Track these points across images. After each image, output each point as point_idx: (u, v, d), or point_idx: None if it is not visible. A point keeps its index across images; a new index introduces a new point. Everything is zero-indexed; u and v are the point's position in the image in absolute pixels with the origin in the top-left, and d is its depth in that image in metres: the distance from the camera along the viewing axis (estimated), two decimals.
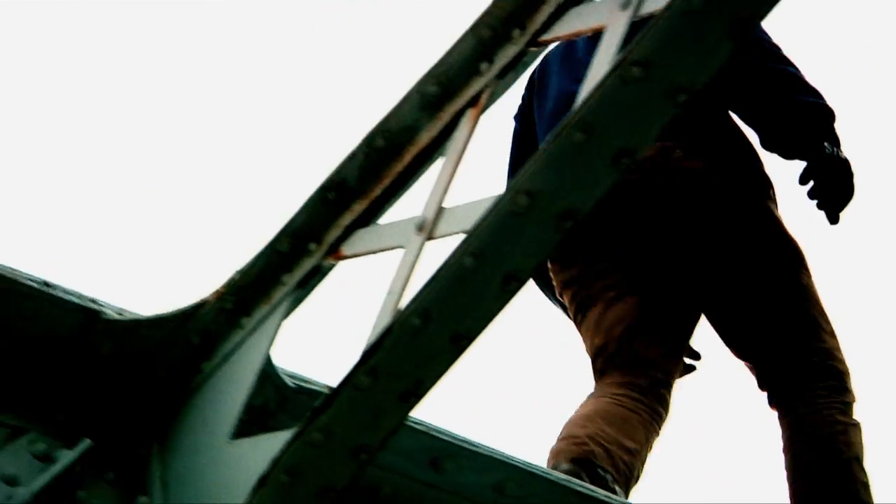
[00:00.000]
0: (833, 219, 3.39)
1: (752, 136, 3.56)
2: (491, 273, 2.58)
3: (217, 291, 3.08)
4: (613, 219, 3.41)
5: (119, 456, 3.07)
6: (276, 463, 2.63)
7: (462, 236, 2.59)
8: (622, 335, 3.38)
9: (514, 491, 3.69)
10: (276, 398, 3.42)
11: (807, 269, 3.36)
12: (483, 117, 2.81)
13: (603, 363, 3.39)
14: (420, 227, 2.74)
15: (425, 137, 2.88)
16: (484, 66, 2.81)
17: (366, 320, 2.73)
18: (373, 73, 10.39)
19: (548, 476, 3.68)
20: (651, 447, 3.33)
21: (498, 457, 3.68)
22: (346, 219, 2.97)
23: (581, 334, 3.59)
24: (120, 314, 3.14)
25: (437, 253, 2.68)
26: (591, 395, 3.33)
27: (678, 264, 3.37)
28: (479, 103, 2.80)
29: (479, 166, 2.90)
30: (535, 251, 2.60)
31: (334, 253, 2.98)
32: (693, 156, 3.40)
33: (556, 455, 3.23)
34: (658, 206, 3.39)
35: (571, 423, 3.29)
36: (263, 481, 2.64)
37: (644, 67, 2.41)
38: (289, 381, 3.44)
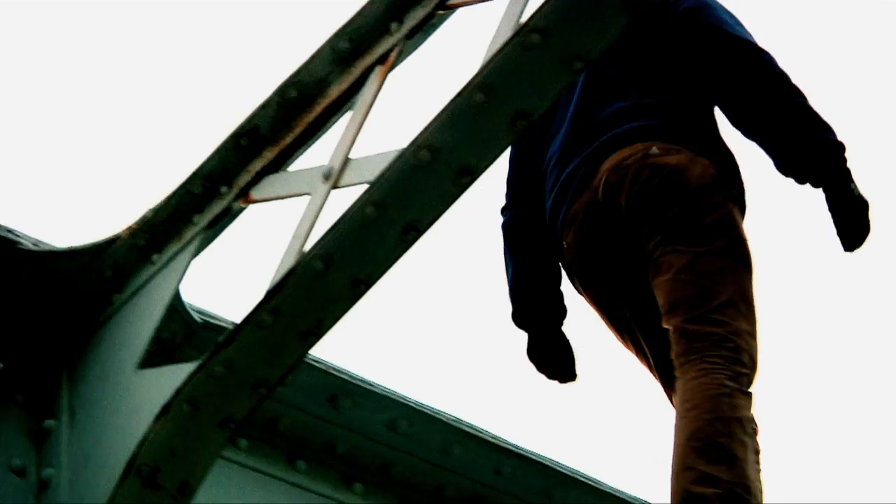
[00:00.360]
0: (847, 248, 3.46)
1: (729, 138, 3.57)
2: (391, 222, 2.61)
3: (130, 227, 3.09)
4: (606, 227, 3.44)
5: (29, 380, 3.08)
6: (179, 393, 2.66)
7: (366, 186, 2.62)
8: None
9: (405, 429, 3.76)
10: (183, 332, 3.45)
11: (750, 273, 3.39)
12: (391, 75, 2.84)
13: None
14: (326, 176, 2.76)
15: (335, 91, 2.90)
16: (394, 26, 2.83)
17: (271, 262, 2.75)
18: (288, 25, 10.33)
19: (438, 416, 3.75)
20: None
21: (392, 396, 3.74)
22: (257, 165, 2.98)
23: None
24: (35, 245, 3.14)
25: (342, 201, 2.70)
26: None
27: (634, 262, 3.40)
28: (388, 61, 2.82)
29: (385, 121, 2.92)
30: (434, 204, 2.63)
31: (244, 196, 2.99)
32: (668, 153, 3.42)
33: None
34: (634, 200, 3.41)
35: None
36: (166, 410, 2.66)
37: (543, 35, 2.44)
38: (196, 317, 3.47)
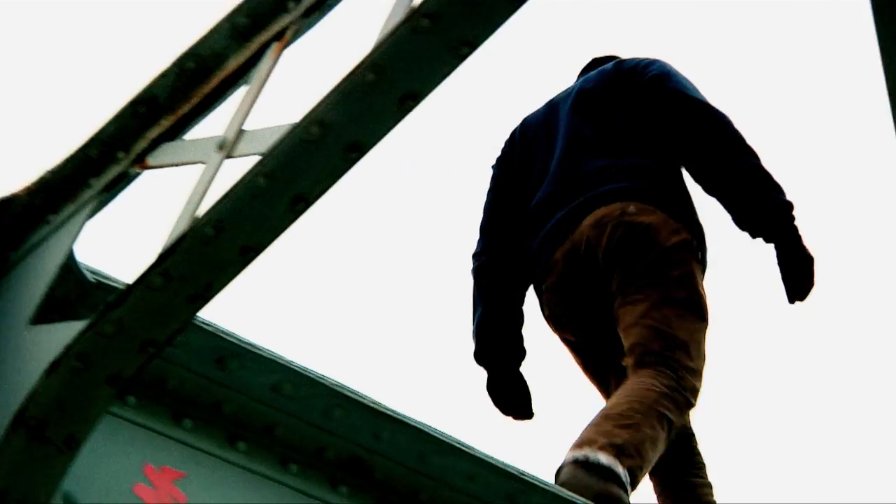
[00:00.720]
0: (791, 300, 3.61)
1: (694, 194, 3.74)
2: (281, 193, 2.63)
3: (27, 187, 3.07)
4: (585, 275, 3.59)
5: None
6: (69, 350, 2.66)
7: (258, 158, 2.64)
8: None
9: (290, 392, 3.77)
10: (76, 291, 3.43)
11: (704, 326, 3.64)
12: (287, 51, 2.86)
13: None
14: (221, 146, 2.78)
15: (232, 64, 2.92)
16: (291, 4, 2.85)
17: (164, 227, 2.76)
18: None
19: (321, 380, 3.76)
20: None
21: (278, 359, 3.75)
22: (154, 132, 2.98)
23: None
24: None
25: (235, 171, 2.72)
26: None
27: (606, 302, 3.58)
28: (284, 38, 2.84)
29: (279, 95, 2.94)
30: (323, 177, 2.66)
31: (140, 162, 3.00)
32: (643, 213, 3.58)
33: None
34: (610, 254, 3.56)
35: None
36: (55, 365, 2.66)
37: (433, 20, 2.48)
38: (89, 276, 3.45)
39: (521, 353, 3.85)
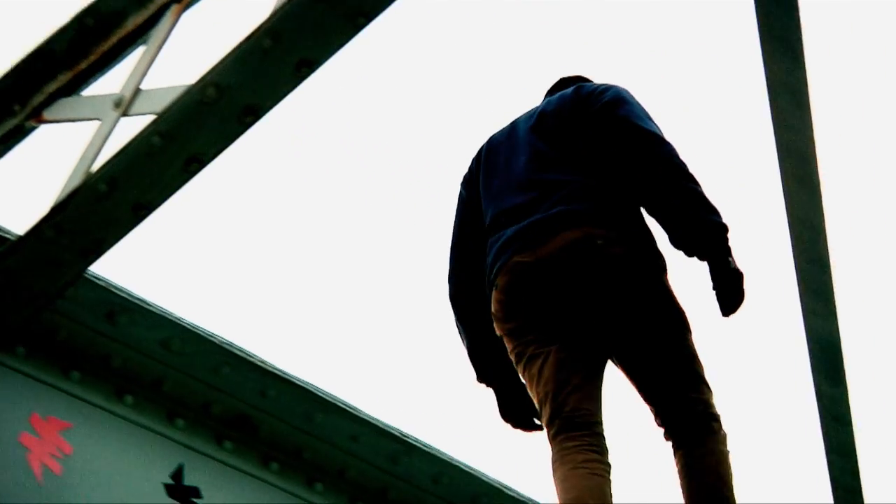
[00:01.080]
0: (725, 313, 3.79)
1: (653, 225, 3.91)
2: (176, 153, 2.60)
3: None
4: (545, 287, 3.70)
5: None
6: None
7: (154, 117, 2.61)
8: (556, 391, 3.77)
9: (178, 347, 3.75)
10: None
11: (690, 332, 3.91)
12: (186, 13, 2.82)
13: (555, 427, 3.77)
14: (117, 104, 2.73)
15: (131, 23, 2.87)
16: None
17: (58, 181, 2.72)
18: None
19: (210, 338, 3.75)
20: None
21: (167, 316, 3.73)
22: (51, 87, 2.93)
23: (524, 380, 3.95)
24: None
25: (130, 129, 2.68)
26: (562, 462, 3.72)
27: (594, 328, 3.72)
28: (184, 1, 2.81)
29: (177, 56, 2.91)
30: (218, 139, 2.63)
31: (36, 116, 2.94)
32: (612, 243, 3.80)
33: None
34: (582, 281, 3.73)
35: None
36: None
37: None
38: None
39: (516, 370, 4.04)
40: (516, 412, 4.03)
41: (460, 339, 4.13)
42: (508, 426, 4.10)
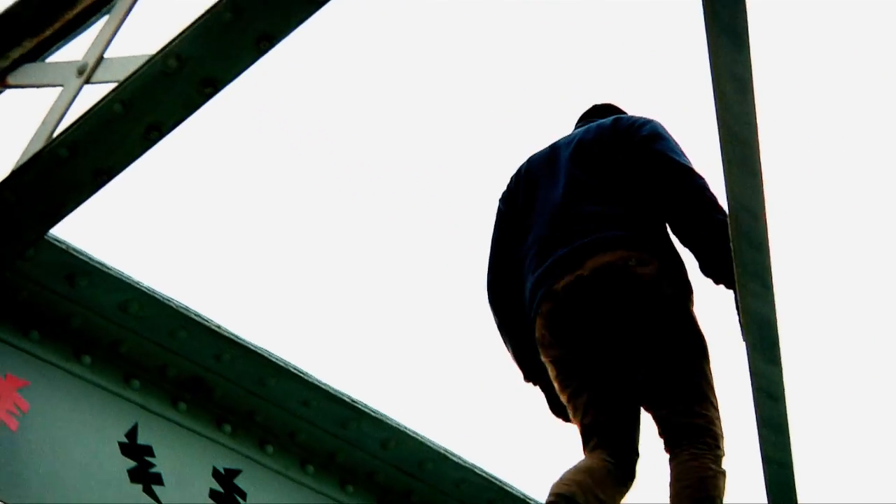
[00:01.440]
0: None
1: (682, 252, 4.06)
2: (136, 121, 2.61)
3: None
4: (584, 308, 3.97)
5: None
6: None
7: (115, 85, 2.61)
8: (596, 420, 3.96)
9: (136, 311, 3.75)
10: None
11: (708, 358, 4.02)
12: None
13: (593, 443, 3.95)
14: (81, 71, 2.74)
15: None
16: None
17: (20, 145, 2.72)
18: None
19: (168, 302, 3.75)
20: (617, 502, 3.94)
21: (126, 279, 3.72)
22: (16, 52, 2.92)
23: (566, 403, 4.11)
24: None
25: (93, 96, 2.68)
26: (586, 456, 3.94)
27: (623, 350, 3.84)
28: None
29: (141, 26, 2.90)
30: (178, 109, 2.64)
31: (0, 81, 2.94)
32: (642, 264, 3.94)
33: (551, 488, 3.80)
34: (612, 298, 3.94)
35: (567, 470, 3.85)
36: None
37: None
38: None
39: None
40: (564, 408, 4.20)
41: (504, 345, 4.31)
42: (559, 420, 4.28)
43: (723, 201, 3.99)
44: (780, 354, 3.15)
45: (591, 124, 4.38)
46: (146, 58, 2.58)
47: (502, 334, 4.30)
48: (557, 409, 4.25)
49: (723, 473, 3.80)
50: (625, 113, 4.59)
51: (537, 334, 4.06)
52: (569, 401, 4.02)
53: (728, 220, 3.94)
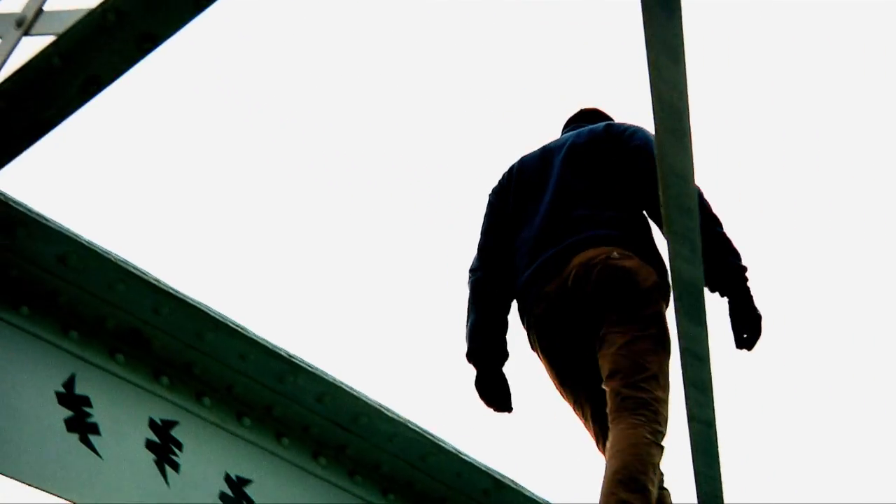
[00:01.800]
0: (738, 347, 3.95)
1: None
2: (74, 74, 2.58)
3: None
4: (571, 303, 4.11)
5: None
6: None
7: (54, 37, 2.58)
8: (600, 420, 4.08)
9: (75, 263, 3.70)
10: None
11: (668, 355, 4.09)
12: None
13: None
14: (19, 23, 2.69)
15: None
16: None
17: None
18: None
19: (106, 255, 3.71)
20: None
21: (65, 231, 3.67)
22: None
23: (571, 408, 4.29)
24: None
25: (31, 48, 2.65)
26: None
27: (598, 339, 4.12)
28: None
29: None
30: (117, 63, 2.61)
31: None
32: (624, 259, 4.09)
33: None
34: (595, 288, 4.07)
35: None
36: None
37: None
38: None
39: (505, 355, 4.35)
40: (493, 394, 4.28)
41: (465, 321, 4.34)
42: (482, 403, 4.34)
43: (717, 210, 4.12)
44: (705, 316, 3.18)
45: (583, 129, 4.49)
46: (85, 11, 2.55)
47: (469, 309, 4.35)
48: (485, 395, 4.32)
49: (658, 445, 3.85)
50: (612, 119, 4.69)
51: (531, 336, 4.17)
52: (573, 408, 4.14)
53: (722, 229, 4.08)
